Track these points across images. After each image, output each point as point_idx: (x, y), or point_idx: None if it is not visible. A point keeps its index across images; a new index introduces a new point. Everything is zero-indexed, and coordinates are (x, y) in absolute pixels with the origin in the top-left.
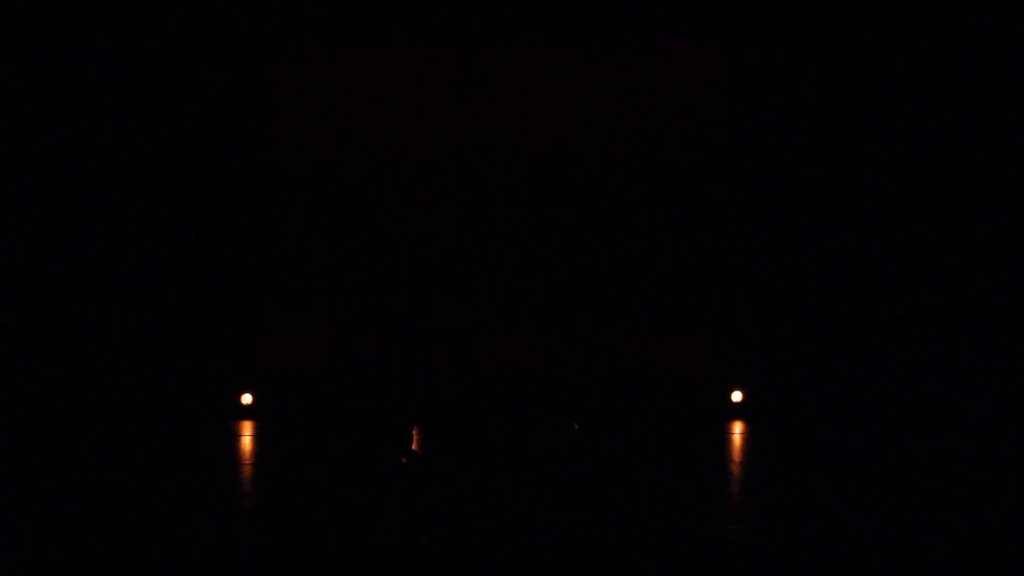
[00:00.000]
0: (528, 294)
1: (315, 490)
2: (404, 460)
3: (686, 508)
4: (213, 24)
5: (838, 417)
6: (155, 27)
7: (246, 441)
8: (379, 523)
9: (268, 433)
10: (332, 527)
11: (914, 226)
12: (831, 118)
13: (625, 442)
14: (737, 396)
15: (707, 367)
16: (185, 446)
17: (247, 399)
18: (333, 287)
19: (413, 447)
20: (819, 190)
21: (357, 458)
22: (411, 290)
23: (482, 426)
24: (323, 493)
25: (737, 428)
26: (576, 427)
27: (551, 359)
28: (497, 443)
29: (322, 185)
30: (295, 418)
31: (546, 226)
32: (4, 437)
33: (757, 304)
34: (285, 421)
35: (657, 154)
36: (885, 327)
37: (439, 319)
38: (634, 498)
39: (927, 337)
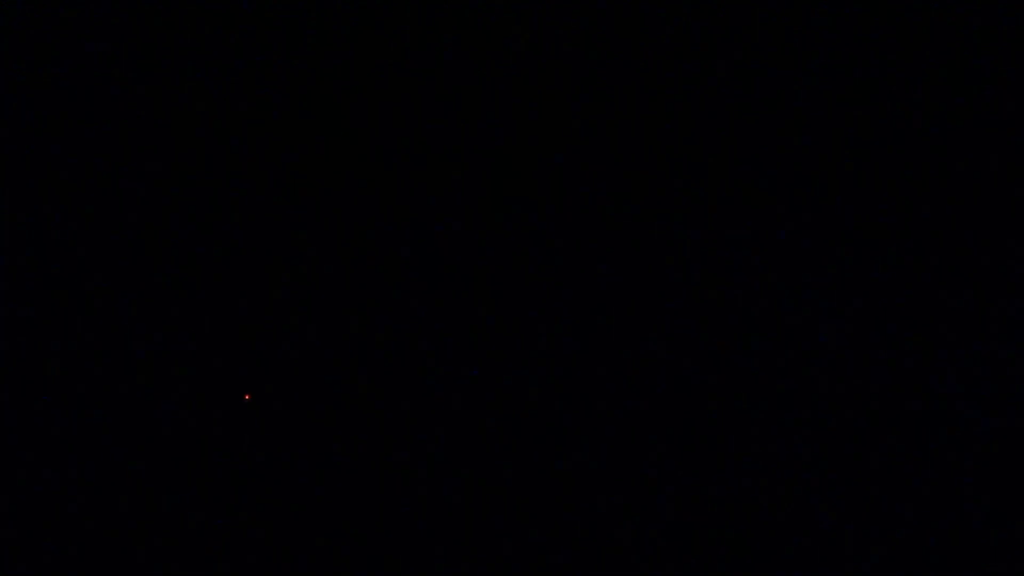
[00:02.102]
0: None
1: (316, 488)
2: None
3: (685, 508)
4: None
5: (838, 416)
6: None
7: (246, 440)
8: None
9: (268, 432)
10: (332, 526)
11: (914, 219)
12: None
13: (624, 442)
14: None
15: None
16: (184, 445)
17: (247, 398)
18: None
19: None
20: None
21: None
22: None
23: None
24: (323, 491)
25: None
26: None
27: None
28: (494, 442)
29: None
30: (295, 417)
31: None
32: (2, 436)
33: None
34: (285, 420)
35: None
36: (885, 325)
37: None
38: (633, 498)
39: (928, 335)
